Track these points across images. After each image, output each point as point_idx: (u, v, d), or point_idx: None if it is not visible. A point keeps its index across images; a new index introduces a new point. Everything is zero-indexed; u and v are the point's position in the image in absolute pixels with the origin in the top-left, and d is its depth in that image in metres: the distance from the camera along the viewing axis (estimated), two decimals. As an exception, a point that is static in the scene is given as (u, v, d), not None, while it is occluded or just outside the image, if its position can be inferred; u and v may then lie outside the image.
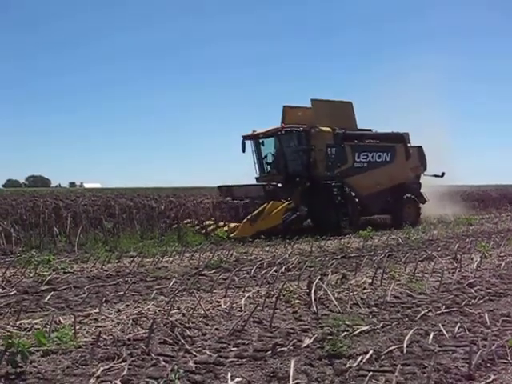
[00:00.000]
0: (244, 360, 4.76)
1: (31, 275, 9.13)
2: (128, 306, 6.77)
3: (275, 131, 18.33)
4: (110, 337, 5.34)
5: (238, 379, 4.23)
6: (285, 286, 7.39)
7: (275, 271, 9.07)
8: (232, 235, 14.85)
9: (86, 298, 7.16)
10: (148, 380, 4.24)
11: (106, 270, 9.71)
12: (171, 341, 5.24)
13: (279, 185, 18.11)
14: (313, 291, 6.91)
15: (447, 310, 6.66)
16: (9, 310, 6.56)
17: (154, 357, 4.76)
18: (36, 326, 5.69)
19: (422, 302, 7.07)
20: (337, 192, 17.66)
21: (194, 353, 4.91)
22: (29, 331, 5.53)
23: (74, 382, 4.23)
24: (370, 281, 8.19)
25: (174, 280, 8.29)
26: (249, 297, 7.12)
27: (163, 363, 4.61)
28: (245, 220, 15.67)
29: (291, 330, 5.71)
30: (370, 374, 4.31)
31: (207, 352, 4.93)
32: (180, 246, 13.14)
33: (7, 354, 4.39)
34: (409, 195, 20.07)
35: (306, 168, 18.23)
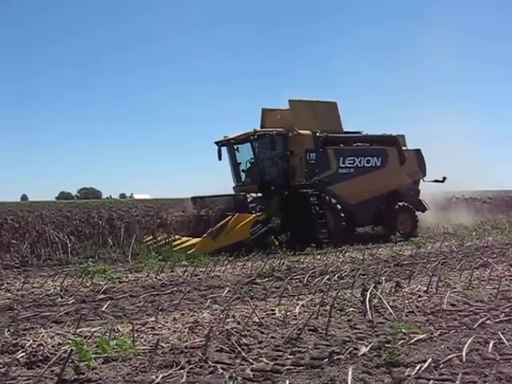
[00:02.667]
0: (301, 368, 4.76)
1: (88, 285, 9.35)
2: (183, 314, 6.86)
3: (247, 136, 16.62)
4: (168, 345, 5.42)
5: (295, 387, 4.24)
6: (339, 294, 7.36)
7: (328, 279, 9.06)
8: (189, 252, 13.39)
9: (142, 307, 7.28)
10: (207, 387, 4.28)
11: (160, 280, 9.87)
12: (227, 349, 5.28)
13: (259, 194, 17.04)
14: (367, 299, 6.85)
15: (506, 318, 6.49)
16: (68, 318, 6.73)
17: (211, 364, 4.80)
18: (96, 334, 5.82)
19: (480, 310, 6.91)
20: (314, 201, 15.75)
21: (251, 360, 4.93)
22: (89, 339, 5.65)
23: (135, 388, 4.31)
24: (425, 288, 8.06)
25: (227, 289, 8.35)
26: (303, 305, 7.11)
27: (221, 371, 4.65)
28: (204, 235, 14.17)
29: (347, 338, 5.67)
30: (431, 382, 4.25)
31: (264, 360, 4.95)
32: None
33: (71, 360, 4.51)
34: (403, 203, 18.20)
35: (281, 176, 16.60)
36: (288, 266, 11.14)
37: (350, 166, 17.46)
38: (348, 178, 17.29)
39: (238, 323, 6.26)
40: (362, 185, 17.34)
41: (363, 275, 9.62)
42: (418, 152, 19.47)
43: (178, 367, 4.73)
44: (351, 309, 6.98)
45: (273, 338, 5.74)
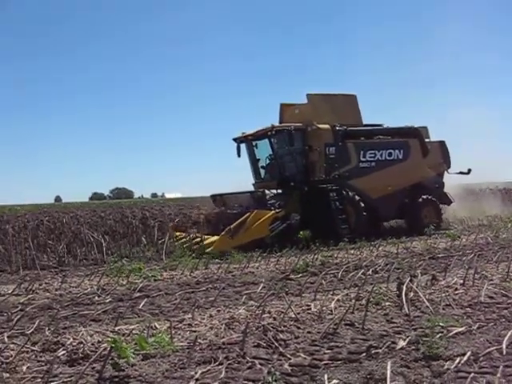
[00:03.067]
0: (339, 362, 4.75)
1: (124, 283, 9.49)
2: (219, 311, 6.92)
3: (265, 132, 16.44)
4: (205, 341, 5.46)
5: (334, 381, 4.23)
6: (374, 288, 7.31)
7: (363, 274, 9.03)
8: (208, 250, 13.37)
9: (178, 304, 7.36)
10: (246, 382, 4.30)
11: (194, 277, 9.95)
12: (265, 344, 5.30)
13: (278, 191, 16.94)
14: (403, 293, 6.80)
15: (546, 310, 6.40)
16: (106, 316, 6.84)
17: (249, 360, 4.83)
18: (134, 332, 5.90)
19: (519, 302, 6.82)
20: (334, 197, 15.61)
21: (288, 355, 4.94)
22: (127, 336, 5.73)
23: (174, 384, 4.36)
24: (462, 281, 7.97)
25: (261, 285, 8.38)
26: (338, 300, 7.10)
27: (259, 366, 4.66)
28: (222, 233, 14.05)
29: (384, 332, 5.64)
30: (471, 375, 4.21)
31: (301, 355, 4.96)
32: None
33: (111, 358, 4.58)
34: (427, 196, 17.84)
35: (301, 171, 16.43)
36: (322, 261, 11.12)
37: (371, 159, 17.20)
38: (369, 171, 17.03)
39: (274, 319, 6.28)
40: (384, 178, 17.04)
41: (398, 269, 9.57)
42: (441, 144, 19.11)
43: (217, 363, 4.77)
44: (387, 303, 6.95)
45: (309, 333, 5.74)
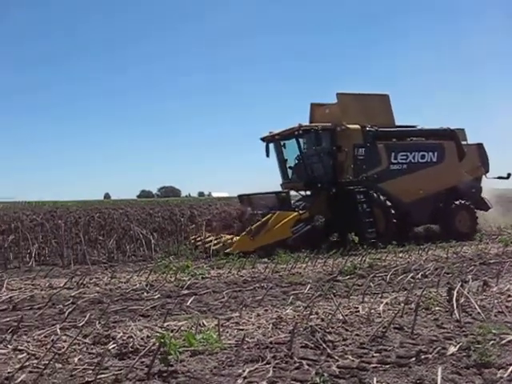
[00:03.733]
0: (387, 366, 4.69)
1: (172, 280, 9.59)
2: (267, 310, 6.92)
3: (292, 131, 15.93)
4: (253, 340, 5.47)
5: (384, 385, 4.19)
6: (424, 292, 7.20)
7: (412, 278, 8.90)
8: (228, 251, 13.19)
9: (226, 303, 7.41)
10: (293, 382, 4.29)
11: (241, 276, 9.99)
12: (312, 345, 5.28)
13: (307, 192, 16.66)
14: (454, 298, 6.67)
15: None
16: (155, 312, 6.92)
17: (296, 360, 4.81)
18: (182, 328, 5.95)
19: None
20: (361, 199, 14.99)
21: (336, 357, 4.91)
22: (176, 332, 5.78)
23: (222, 381, 4.37)
24: (515, 288, 7.77)
25: (309, 286, 8.34)
26: (387, 303, 7.00)
27: (306, 367, 4.65)
28: (243, 233, 13.81)
29: (434, 338, 5.54)
30: (525, 385, 4.10)
31: (349, 357, 4.91)
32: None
33: (160, 353, 4.63)
34: (461, 201, 16.94)
35: (328, 172, 15.89)
36: (369, 264, 10.98)
37: (403, 161, 16.51)
38: (400, 174, 16.36)
39: (322, 320, 6.25)
40: (416, 182, 16.39)
41: (448, 274, 9.39)
42: (480, 147, 18.29)
43: (264, 362, 4.77)
44: (437, 308, 6.82)
45: (357, 335, 5.69)
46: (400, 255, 12.58)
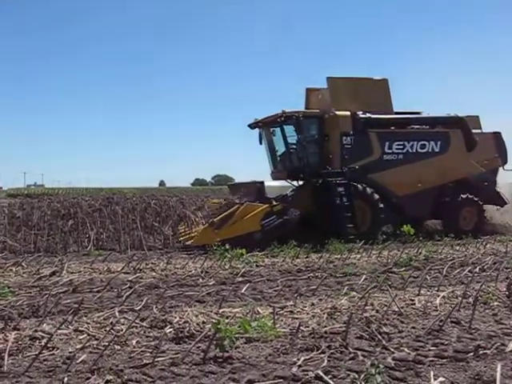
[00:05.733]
0: (444, 360, 4.61)
1: (226, 267, 9.70)
2: (321, 300, 6.91)
3: (275, 118, 14.92)
4: (308, 329, 5.48)
5: (441, 379, 4.12)
6: (482, 286, 7.04)
7: (469, 271, 8.73)
8: (188, 243, 12.95)
9: (281, 291, 7.42)
10: (348, 373, 4.28)
11: (295, 265, 10.01)
12: (367, 336, 5.24)
13: (300, 183, 15.48)
14: (514, 293, 6.52)
15: None
16: (210, 298, 7.03)
17: (351, 351, 4.79)
18: (237, 315, 6.01)
19: None
20: (341, 192, 13.90)
21: (392, 349, 4.86)
22: (231, 319, 5.85)
23: (277, 369, 4.39)
24: None
25: (363, 276, 8.28)
26: (443, 296, 6.90)
27: (361, 357, 4.62)
28: (206, 225, 13.33)
29: (492, 333, 5.42)
30: None
31: (405, 349, 4.85)
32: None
33: (216, 338, 4.69)
34: (467, 195, 15.58)
35: (313, 162, 14.86)
36: (425, 256, 10.84)
37: (399, 151, 15.26)
38: (395, 165, 15.15)
39: (377, 311, 6.21)
40: (414, 174, 15.21)
41: (507, 268, 9.17)
42: (496, 136, 16.69)
43: (319, 351, 4.77)
44: (496, 303, 6.68)
45: (413, 328, 5.62)
46: (457, 248, 12.36)
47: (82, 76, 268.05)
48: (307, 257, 10.95)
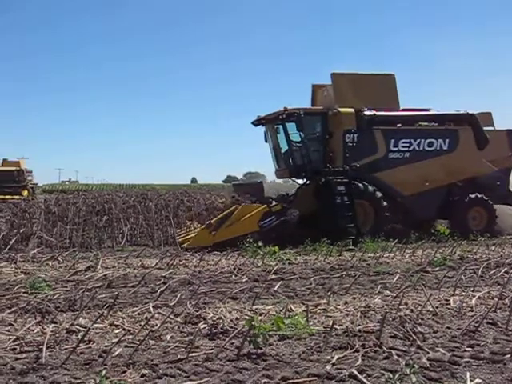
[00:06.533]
0: (480, 362, 4.55)
1: (259, 265, 9.73)
2: (355, 298, 6.89)
3: (276, 115, 14.47)
4: (341, 327, 5.46)
5: (477, 380, 4.07)
6: (519, 288, 6.94)
7: (505, 272, 8.57)
8: (184, 245, 12.61)
9: (314, 289, 7.41)
10: (383, 372, 4.25)
11: (328, 263, 9.96)
12: (402, 335, 5.20)
13: (307, 182, 14.97)
14: (552, 295, 6.39)
15: None
16: (243, 295, 7.05)
17: (386, 350, 4.76)
18: (270, 312, 6.02)
19: None
20: (341, 190, 13.44)
21: (427, 349, 4.81)
22: (264, 316, 5.87)
23: (311, 366, 4.39)
24: None
25: (397, 275, 8.21)
26: (479, 297, 6.79)
27: (396, 357, 4.59)
28: (202, 227, 13.03)
29: (530, 335, 5.34)
30: None
31: (440, 350, 4.80)
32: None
33: (249, 335, 4.71)
34: (476, 195, 14.91)
35: (315, 160, 14.33)
36: (460, 256, 10.71)
37: (405, 149, 14.67)
38: (401, 163, 14.59)
39: (412, 311, 6.16)
40: (421, 172, 14.61)
41: (545, 269, 8.99)
42: (510, 133, 16.00)
43: (353, 350, 4.75)
44: (533, 304, 6.55)
45: (448, 328, 5.56)
46: (492, 248, 12.13)
47: (115, 71, 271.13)
48: (340, 255, 10.90)
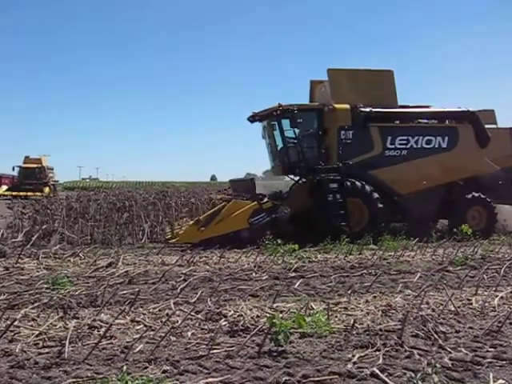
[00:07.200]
0: (504, 362, 4.50)
1: (279, 262, 9.72)
2: (375, 297, 6.85)
3: (270, 112, 14.24)
4: (362, 326, 5.44)
5: (500, 381, 4.03)
6: (542, 288, 6.85)
7: (529, 271, 8.48)
8: (172, 241, 12.57)
9: (334, 287, 7.40)
10: (404, 371, 4.23)
11: (348, 261, 9.93)
12: (423, 335, 5.17)
13: (303, 179, 14.52)
14: None
15: None
16: (264, 293, 7.04)
17: (407, 349, 4.73)
18: (291, 310, 6.02)
19: None
20: (333, 188, 13.25)
21: (449, 349, 4.78)
22: (285, 314, 5.86)
23: (332, 365, 4.38)
24: None
25: (418, 274, 8.15)
26: (502, 297, 6.73)
27: (417, 356, 4.56)
28: (191, 223, 12.98)
29: (554, 336, 5.27)
30: None
31: (462, 350, 4.76)
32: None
33: (270, 333, 4.71)
34: (476, 194, 14.58)
35: (308, 158, 14.08)
36: (482, 255, 10.59)
37: (402, 147, 14.33)
38: (398, 161, 14.25)
39: (433, 310, 6.12)
40: (418, 170, 14.28)
41: None
42: None
43: (374, 349, 4.73)
44: (558, 305, 6.48)
45: (471, 328, 5.51)
46: (515, 247, 12.00)
47: (136, 68, 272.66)
48: (360, 253, 10.84)
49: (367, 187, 13.58)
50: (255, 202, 12.96)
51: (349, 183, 13.46)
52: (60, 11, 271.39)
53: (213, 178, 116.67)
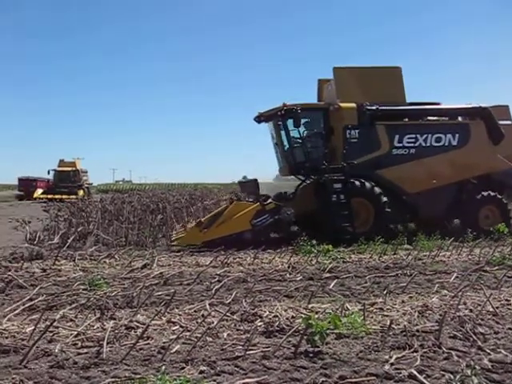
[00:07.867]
0: (546, 364, 4.43)
1: (313, 263, 9.69)
2: (411, 297, 6.79)
3: (275, 112, 14.03)
4: (398, 327, 5.39)
5: (542, 383, 3.96)
6: None
7: None
8: (174, 243, 12.50)
9: (369, 288, 7.35)
10: (443, 373, 4.18)
11: (383, 262, 9.85)
12: (461, 336, 5.10)
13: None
14: None
15: None
16: (298, 293, 7.03)
17: (445, 350, 4.68)
18: (326, 311, 5.99)
19: None
20: (337, 188, 12.93)
21: (488, 351, 4.71)
22: (320, 314, 5.84)
23: (369, 366, 4.35)
24: None
25: (455, 274, 8.05)
26: (542, 298, 6.60)
27: (456, 358, 4.50)
28: (193, 225, 12.94)
29: None
30: None
31: (502, 351, 4.69)
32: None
33: (306, 333, 4.70)
34: (489, 192, 14.01)
35: (313, 158, 13.83)
36: (520, 255, 10.39)
37: (410, 145, 13.88)
38: (406, 160, 13.81)
39: (471, 311, 6.02)
40: (428, 169, 13.85)
41: None
42: None
43: (411, 350, 4.69)
44: None
45: (510, 329, 5.42)
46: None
47: (168, 69, 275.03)
48: (395, 253, 10.74)
49: (376, 189, 13.30)
50: (258, 204, 12.90)
51: (357, 183, 13.21)
52: (99, 12, 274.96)
53: (244, 178, 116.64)
